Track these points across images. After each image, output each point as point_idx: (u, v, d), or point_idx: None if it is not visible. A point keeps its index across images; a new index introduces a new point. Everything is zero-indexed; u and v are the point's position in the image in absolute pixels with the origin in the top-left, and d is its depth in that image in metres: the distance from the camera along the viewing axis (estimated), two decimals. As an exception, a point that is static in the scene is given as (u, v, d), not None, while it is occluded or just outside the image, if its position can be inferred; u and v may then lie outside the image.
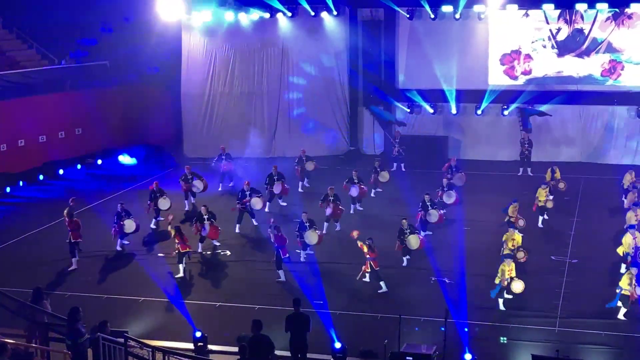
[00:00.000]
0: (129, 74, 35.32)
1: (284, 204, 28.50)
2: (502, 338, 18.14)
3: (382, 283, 21.19)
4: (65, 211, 23.54)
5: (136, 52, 34.52)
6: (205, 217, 24.43)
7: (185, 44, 36.34)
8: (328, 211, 25.59)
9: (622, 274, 19.99)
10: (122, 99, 36.45)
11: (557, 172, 28.54)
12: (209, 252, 24.45)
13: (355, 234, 21.81)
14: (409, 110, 35.83)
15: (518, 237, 22.43)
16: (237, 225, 26.28)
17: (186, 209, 28.59)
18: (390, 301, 20.49)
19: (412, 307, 19.85)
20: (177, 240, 22.49)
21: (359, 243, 21.46)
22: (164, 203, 26.65)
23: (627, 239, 21.83)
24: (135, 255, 24.16)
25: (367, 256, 21.25)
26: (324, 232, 24.67)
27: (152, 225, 26.74)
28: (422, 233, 24.21)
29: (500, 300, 20.04)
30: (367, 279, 21.53)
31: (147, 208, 26.70)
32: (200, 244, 24.44)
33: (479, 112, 35.04)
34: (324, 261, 23.10)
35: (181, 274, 22.34)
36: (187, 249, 22.62)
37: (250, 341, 15.39)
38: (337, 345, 17.06)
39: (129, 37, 34.53)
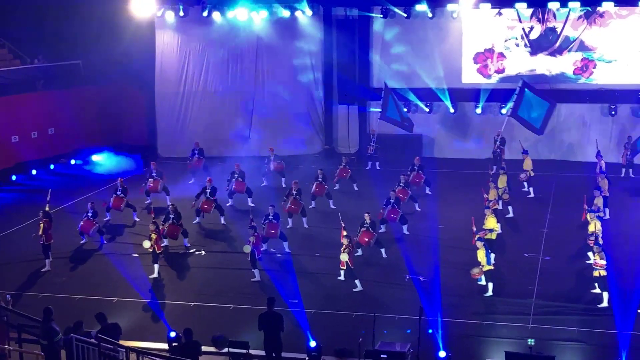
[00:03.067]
0: (102, 73, 35.17)
1: (252, 204, 28.30)
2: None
3: (357, 282, 21.25)
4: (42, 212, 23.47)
5: (109, 51, 34.33)
6: (171, 216, 24.43)
7: (159, 42, 36.30)
8: (286, 205, 25.98)
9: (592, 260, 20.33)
10: (95, 98, 36.29)
11: (526, 161, 29.15)
12: (181, 251, 24.38)
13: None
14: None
15: (491, 220, 22.67)
16: (222, 217, 26.73)
17: (168, 204, 28.67)
18: (364, 300, 20.55)
19: (387, 305, 19.96)
20: (154, 238, 22.27)
21: (344, 240, 21.45)
22: None
23: (597, 224, 22.29)
24: (109, 256, 24.03)
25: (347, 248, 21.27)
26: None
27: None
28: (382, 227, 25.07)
29: (490, 285, 20.50)
30: (342, 277, 21.59)
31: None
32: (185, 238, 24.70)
33: (452, 110, 35.27)
34: (298, 260, 23.17)
35: (155, 274, 22.25)
36: (162, 250, 22.60)
37: (103, 329, 16.05)
38: (312, 344, 17.09)
39: (102, 35, 34.33)
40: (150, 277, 22.19)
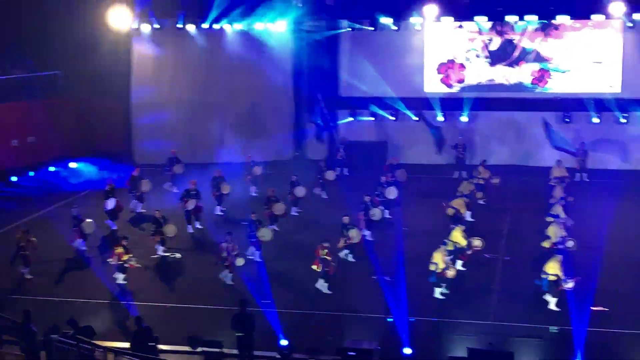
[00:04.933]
0: (80, 84, 35.74)
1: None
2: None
3: (324, 284, 21.82)
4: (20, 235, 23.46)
5: (87, 62, 34.86)
6: (161, 221, 24.79)
7: (135, 53, 36.72)
8: (268, 212, 26.45)
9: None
10: (73, 108, 36.69)
11: (482, 171, 29.78)
12: (156, 255, 24.68)
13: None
14: (351, 118, 36.95)
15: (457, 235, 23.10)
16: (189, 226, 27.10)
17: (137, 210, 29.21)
18: (333, 299, 21.12)
19: (355, 304, 20.52)
20: (120, 250, 22.28)
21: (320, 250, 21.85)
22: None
23: (555, 230, 23.07)
24: (87, 260, 24.33)
25: (323, 257, 21.69)
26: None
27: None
28: (366, 232, 25.31)
29: (437, 290, 21.05)
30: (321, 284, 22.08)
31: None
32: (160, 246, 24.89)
33: (415, 118, 36.32)
34: (270, 262, 23.48)
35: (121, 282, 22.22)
36: (126, 258, 22.36)
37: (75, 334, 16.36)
38: (284, 342, 17.64)
39: (80, 47, 34.90)
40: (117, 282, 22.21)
